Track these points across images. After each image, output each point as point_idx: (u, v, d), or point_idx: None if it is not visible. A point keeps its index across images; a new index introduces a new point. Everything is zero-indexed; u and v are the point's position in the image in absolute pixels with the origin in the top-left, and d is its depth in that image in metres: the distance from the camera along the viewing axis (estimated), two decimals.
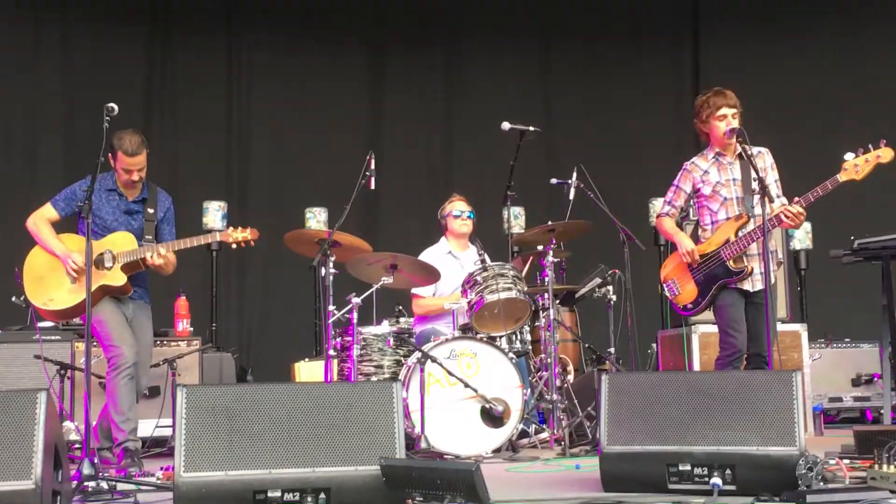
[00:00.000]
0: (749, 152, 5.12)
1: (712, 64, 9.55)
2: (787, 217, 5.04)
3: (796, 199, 5.06)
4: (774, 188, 5.28)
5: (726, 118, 5.25)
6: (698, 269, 5.31)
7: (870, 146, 4.92)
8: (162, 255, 5.23)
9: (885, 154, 4.90)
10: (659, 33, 9.77)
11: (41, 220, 5.36)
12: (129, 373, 5.21)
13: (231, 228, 5.52)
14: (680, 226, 5.70)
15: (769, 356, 4.92)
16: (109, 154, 5.22)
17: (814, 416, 6.66)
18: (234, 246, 5.54)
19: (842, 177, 4.95)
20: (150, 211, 5.44)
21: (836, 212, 7.46)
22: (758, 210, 4.96)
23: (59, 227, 5.45)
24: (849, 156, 4.95)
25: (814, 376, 6.89)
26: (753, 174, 5.02)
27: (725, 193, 5.30)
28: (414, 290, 6.46)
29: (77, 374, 5.98)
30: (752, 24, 9.58)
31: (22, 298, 6.22)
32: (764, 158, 5.32)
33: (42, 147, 8.52)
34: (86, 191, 4.63)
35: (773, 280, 5.10)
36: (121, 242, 5.29)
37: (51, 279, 5.27)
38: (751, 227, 5.19)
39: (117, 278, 5.24)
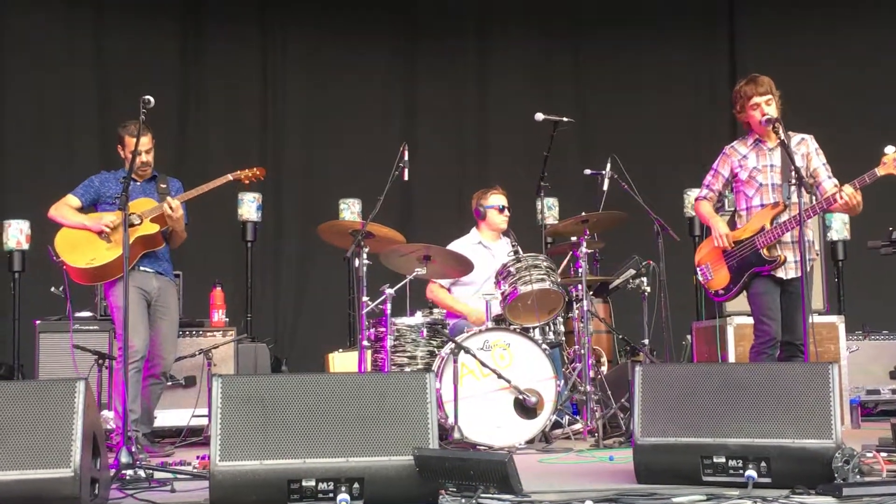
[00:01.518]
0: (786, 140, 5.06)
1: (748, 50, 9.45)
2: (845, 200, 4.91)
3: (847, 184, 4.95)
4: (823, 171, 5.20)
5: (759, 107, 5.18)
6: (732, 255, 5.25)
7: None
8: (175, 208, 5.52)
9: None
10: (694, 20, 9.67)
11: (63, 206, 5.66)
12: (137, 366, 5.44)
13: (239, 170, 5.83)
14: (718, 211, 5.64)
15: (805, 345, 4.89)
16: (119, 146, 5.56)
17: (851, 408, 6.59)
18: (246, 181, 5.92)
19: (880, 171, 4.88)
20: (163, 186, 5.74)
21: (874, 202, 7.36)
22: (795, 197, 4.88)
23: None
24: (889, 149, 4.87)
25: (851, 368, 6.81)
26: (791, 164, 4.96)
27: (761, 179, 5.24)
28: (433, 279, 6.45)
29: (113, 364, 6.05)
30: (789, 8, 9.45)
31: (60, 289, 6.31)
32: (807, 144, 5.25)
33: (77, 141, 8.61)
34: (108, 179, 5.37)
35: (808, 269, 5.04)
36: (142, 205, 5.58)
37: (86, 245, 5.53)
38: (786, 216, 5.13)
39: (150, 228, 5.54)
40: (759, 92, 5.18)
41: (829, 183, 5.15)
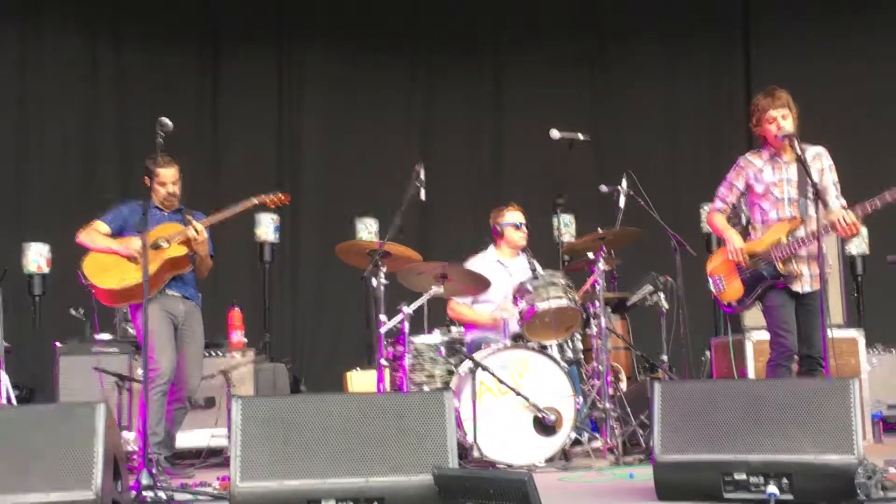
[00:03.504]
0: (803, 157, 5.04)
1: (763, 65, 9.43)
2: (843, 226, 4.96)
3: (854, 206, 4.97)
4: (833, 190, 5.19)
5: (776, 120, 5.16)
6: (746, 267, 5.24)
7: None
8: (200, 231, 5.57)
9: None
10: (708, 34, 9.65)
11: (93, 231, 5.71)
12: (163, 389, 5.47)
13: (264, 194, 5.88)
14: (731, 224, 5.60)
15: (825, 360, 4.86)
16: (146, 178, 5.55)
17: (872, 423, 6.54)
18: (271, 206, 6.00)
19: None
20: (189, 218, 5.74)
21: (893, 216, 7.34)
22: (811, 211, 4.90)
23: None
24: None
25: (872, 383, 6.76)
26: (808, 179, 4.95)
27: (778, 193, 5.23)
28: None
29: (134, 386, 6.09)
30: (804, 20, 9.41)
31: (80, 311, 6.35)
32: (821, 160, 5.23)
33: (96, 164, 8.67)
34: (136, 208, 5.46)
35: (824, 280, 4.98)
36: (168, 229, 5.65)
37: (115, 268, 5.58)
38: (803, 230, 5.12)
39: (178, 250, 5.60)
40: (776, 105, 5.16)
41: (835, 203, 5.14)
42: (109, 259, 5.60)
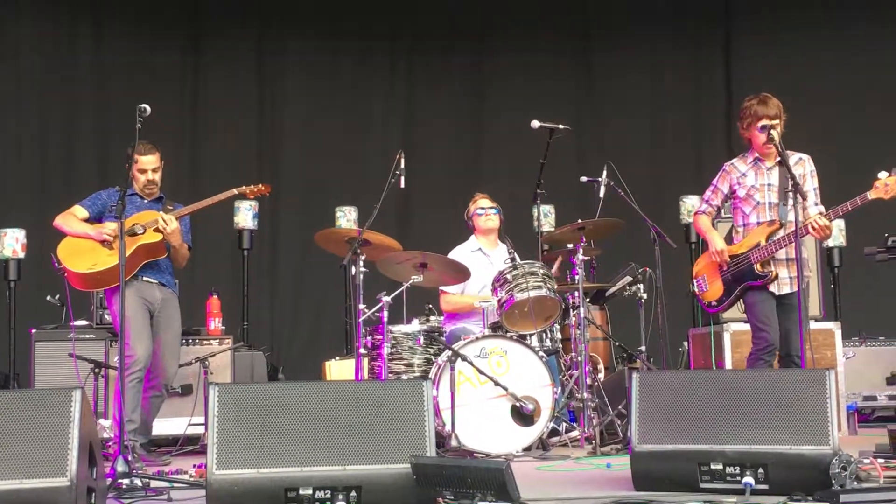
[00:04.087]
0: (784, 155, 5.14)
1: (744, 58, 9.47)
2: (814, 229, 5.10)
3: (825, 212, 5.11)
4: (812, 196, 5.33)
5: (766, 130, 5.24)
6: (727, 269, 5.38)
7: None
8: (168, 221, 5.51)
9: None
10: (689, 28, 9.70)
11: (69, 215, 5.67)
12: (139, 376, 5.46)
13: (245, 185, 5.85)
14: (714, 224, 5.70)
15: (801, 351, 4.93)
16: (127, 165, 5.40)
17: (847, 414, 6.59)
18: (250, 196, 5.97)
19: (871, 195, 5.01)
20: (169, 208, 5.71)
21: (869, 209, 7.39)
22: (790, 216, 5.03)
23: None
24: (882, 174, 4.98)
25: (848, 374, 6.82)
26: (790, 179, 5.03)
27: (759, 198, 5.37)
28: (442, 287, 6.46)
29: (110, 372, 6.05)
30: (784, 17, 9.46)
31: (56, 297, 6.32)
32: (804, 165, 5.36)
33: (74, 151, 8.61)
34: (115, 194, 5.37)
35: (804, 285, 5.11)
36: (145, 217, 5.61)
37: (88, 252, 5.54)
38: (782, 233, 5.25)
39: (152, 237, 5.55)
40: (770, 115, 5.27)
41: (813, 209, 5.28)
42: (84, 244, 5.56)
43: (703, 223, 5.59)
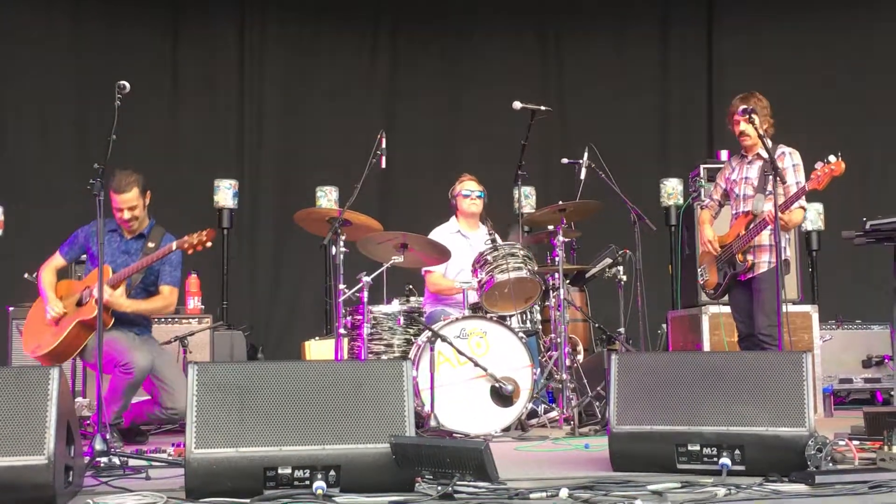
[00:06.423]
0: (756, 127, 5.38)
1: (725, 41, 9.49)
2: (771, 221, 5.27)
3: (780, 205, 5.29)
4: (794, 189, 5.45)
5: (738, 124, 5.57)
6: (720, 259, 5.70)
7: (830, 158, 5.15)
8: (94, 298, 5.00)
9: (837, 168, 5.15)
10: (672, 12, 9.70)
11: (47, 269, 5.50)
12: (138, 381, 5.26)
13: (187, 235, 5.23)
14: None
15: (779, 334, 5.05)
16: (101, 196, 4.90)
17: (824, 397, 6.66)
18: (190, 251, 5.28)
19: (809, 185, 5.28)
20: (151, 245, 5.43)
21: (847, 193, 7.45)
22: (766, 207, 5.33)
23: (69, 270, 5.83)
24: (818, 164, 5.21)
25: (824, 357, 6.88)
26: (770, 163, 5.21)
27: (738, 191, 5.71)
28: (426, 268, 6.46)
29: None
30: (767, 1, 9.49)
31: (34, 276, 6.28)
32: (784, 159, 5.53)
33: (51, 126, 8.53)
34: (92, 234, 5.18)
35: (769, 267, 5.42)
36: (107, 273, 5.14)
37: (40, 327, 5.35)
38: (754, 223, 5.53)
39: (89, 311, 5.18)
40: (743, 106, 5.46)
41: (795, 205, 5.45)
42: (38, 317, 5.34)
43: (698, 215, 6.05)
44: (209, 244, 5.21)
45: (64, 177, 7.95)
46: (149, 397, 5.48)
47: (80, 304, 5.31)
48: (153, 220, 5.58)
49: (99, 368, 4.51)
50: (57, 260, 5.54)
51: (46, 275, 5.47)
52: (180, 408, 5.17)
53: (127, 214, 5.37)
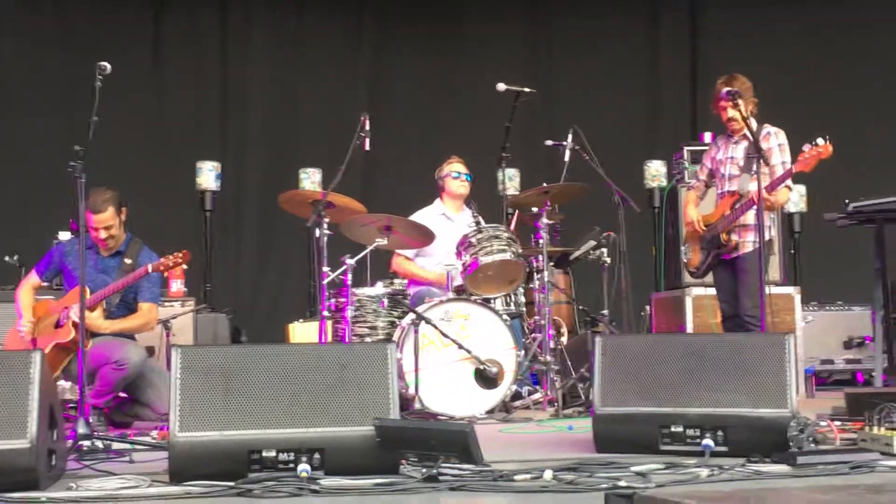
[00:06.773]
0: (741, 111, 5.37)
1: (709, 24, 9.49)
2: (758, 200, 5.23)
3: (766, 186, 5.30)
4: (780, 169, 5.49)
5: (725, 109, 5.54)
6: (704, 237, 5.72)
7: (818, 140, 5.19)
8: (70, 317, 5.08)
9: (825, 150, 5.20)
10: None
11: (23, 288, 5.49)
12: (131, 376, 5.22)
13: (163, 258, 5.28)
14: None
15: (762, 316, 5.11)
16: (75, 219, 5.12)
17: (805, 378, 6.71)
18: (165, 273, 5.40)
19: (796, 167, 5.31)
20: (128, 262, 5.38)
21: (830, 175, 7.46)
22: (751, 187, 5.30)
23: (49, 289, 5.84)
24: (806, 146, 5.25)
25: (806, 339, 6.92)
26: (754, 144, 5.25)
27: (722, 170, 5.74)
28: (398, 250, 6.45)
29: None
30: None
31: (15, 258, 6.23)
32: (769, 140, 5.56)
33: (37, 106, 8.45)
34: (65, 254, 5.28)
35: (754, 247, 5.44)
36: (74, 297, 4.99)
37: (19, 348, 5.23)
38: (739, 203, 5.54)
39: (66, 334, 5.15)
40: (727, 89, 5.44)
41: (780, 186, 5.47)
42: (16, 338, 5.28)
43: (684, 196, 6.14)
44: (185, 266, 5.44)
45: (49, 158, 7.88)
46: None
47: (57, 325, 5.23)
48: (129, 235, 5.53)
49: (81, 392, 4.41)
50: (33, 279, 5.49)
51: (24, 296, 5.42)
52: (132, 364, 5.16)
53: (103, 234, 5.32)
